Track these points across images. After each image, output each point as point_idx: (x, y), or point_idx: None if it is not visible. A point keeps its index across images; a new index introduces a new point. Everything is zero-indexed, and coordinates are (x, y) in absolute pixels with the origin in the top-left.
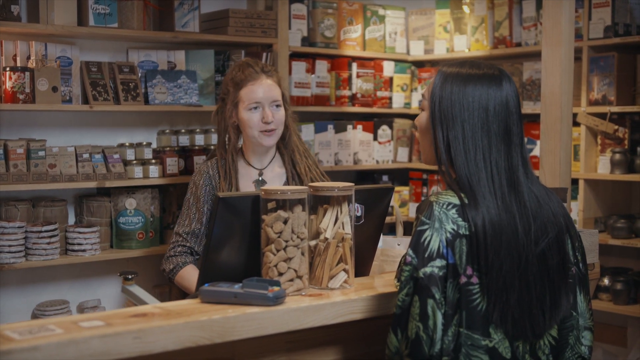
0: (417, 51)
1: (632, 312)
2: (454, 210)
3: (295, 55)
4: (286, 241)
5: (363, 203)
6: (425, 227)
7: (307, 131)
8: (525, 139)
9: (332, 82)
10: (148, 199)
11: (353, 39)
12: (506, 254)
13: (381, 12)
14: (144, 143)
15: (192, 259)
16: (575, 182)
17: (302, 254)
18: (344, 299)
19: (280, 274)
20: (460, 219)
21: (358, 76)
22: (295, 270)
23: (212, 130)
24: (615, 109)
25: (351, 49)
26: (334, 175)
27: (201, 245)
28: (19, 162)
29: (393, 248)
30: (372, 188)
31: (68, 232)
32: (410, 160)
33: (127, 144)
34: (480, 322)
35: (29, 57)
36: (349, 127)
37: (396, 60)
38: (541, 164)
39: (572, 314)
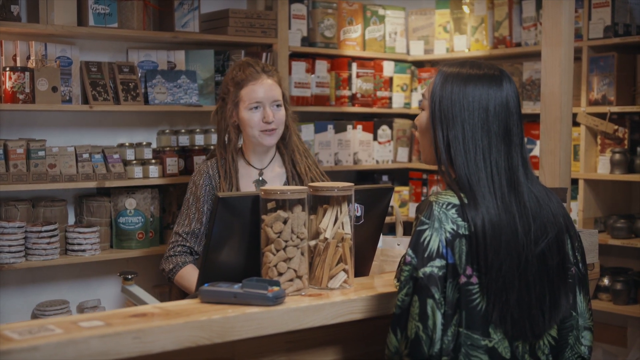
0: (417, 51)
1: (632, 312)
2: (453, 210)
3: (295, 55)
4: (286, 241)
5: (363, 203)
6: (425, 227)
7: (307, 131)
8: (525, 139)
9: (332, 82)
10: (148, 199)
11: (353, 39)
12: (506, 254)
13: (381, 12)
14: (144, 143)
15: (192, 258)
16: (575, 182)
17: (302, 254)
18: (343, 299)
19: (280, 274)
20: (459, 219)
21: (358, 76)
22: (295, 270)
23: (212, 130)
24: (615, 109)
25: (351, 49)
26: (334, 175)
27: (201, 245)
28: (18, 162)
29: (393, 248)
30: (371, 188)
31: (68, 232)
32: (410, 160)
33: (127, 144)
34: (480, 322)
35: (28, 57)
36: (349, 127)
37: (396, 60)
38: (541, 164)
39: (572, 314)
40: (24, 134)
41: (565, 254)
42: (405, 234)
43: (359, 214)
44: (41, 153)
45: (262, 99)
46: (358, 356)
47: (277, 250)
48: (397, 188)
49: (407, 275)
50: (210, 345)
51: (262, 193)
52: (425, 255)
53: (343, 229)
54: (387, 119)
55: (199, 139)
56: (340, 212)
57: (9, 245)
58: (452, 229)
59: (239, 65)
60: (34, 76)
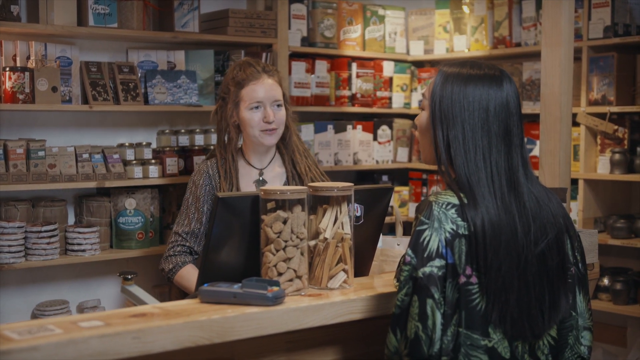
0: (417, 51)
1: (631, 312)
2: (453, 210)
3: (295, 56)
4: (285, 241)
5: (362, 203)
6: (425, 227)
7: (307, 131)
8: (525, 139)
9: (332, 82)
10: (148, 199)
11: (353, 39)
12: (505, 254)
13: (381, 12)
14: (144, 143)
15: (192, 258)
16: (574, 182)
17: (302, 254)
18: (343, 299)
19: (280, 274)
20: (459, 219)
21: (358, 76)
22: (295, 270)
23: (212, 130)
24: (615, 109)
25: (351, 49)
26: (334, 175)
27: (200, 245)
28: (18, 162)
29: (392, 248)
30: (371, 188)
31: (68, 232)
32: (410, 160)
33: (126, 144)
34: (480, 322)
35: (28, 57)
36: (349, 127)
37: (396, 60)
38: (541, 164)
39: (572, 314)
40: (24, 134)
41: (565, 254)
42: (405, 234)
43: (358, 214)
44: (41, 153)
45: (262, 99)
46: (358, 356)
47: (277, 250)
48: (396, 188)
49: (407, 275)
50: (209, 345)
51: (262, 193)
52: (425, 255)
53: (343, 229)
54: (387, 119)
55: (199, 139)
56: (340, 212)
57: (9, 245)
58: (452, 229)
59: (240, 65)
60: (34, 76)
